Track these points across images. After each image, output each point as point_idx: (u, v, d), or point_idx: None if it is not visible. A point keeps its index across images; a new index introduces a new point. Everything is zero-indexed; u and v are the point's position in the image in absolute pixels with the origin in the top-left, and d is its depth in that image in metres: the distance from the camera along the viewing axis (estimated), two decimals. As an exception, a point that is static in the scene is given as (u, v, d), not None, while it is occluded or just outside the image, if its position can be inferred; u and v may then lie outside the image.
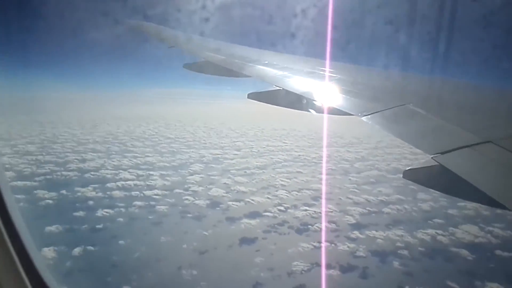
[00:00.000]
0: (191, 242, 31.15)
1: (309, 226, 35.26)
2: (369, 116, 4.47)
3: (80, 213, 36.17)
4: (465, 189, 3.07)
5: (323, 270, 28.09)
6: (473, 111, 4.47)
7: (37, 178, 45.87)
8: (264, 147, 73.23)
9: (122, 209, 37.71)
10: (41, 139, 72.50)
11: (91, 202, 39.17)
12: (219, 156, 64.05)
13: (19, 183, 42.82)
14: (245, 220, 36.07)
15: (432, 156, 3.38)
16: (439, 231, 34.49)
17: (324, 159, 65.77)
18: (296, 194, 44.07)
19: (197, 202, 40.61)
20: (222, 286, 25.86)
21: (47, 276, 3.15)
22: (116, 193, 42.20)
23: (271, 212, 38.31)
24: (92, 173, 49.54)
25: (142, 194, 42.38)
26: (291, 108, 5.97)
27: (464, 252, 31.13)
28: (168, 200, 40.92)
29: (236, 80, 7.37)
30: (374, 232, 34.30)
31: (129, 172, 50.61)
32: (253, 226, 35.08)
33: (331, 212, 38.80)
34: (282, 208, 39.53)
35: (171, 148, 69.13)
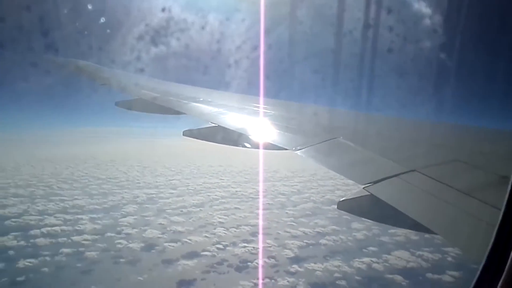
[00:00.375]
0: (125, 289, 29.42)
1: (249, 263, 34.87)
2: (302, 150, 4.61)
3: (-1, 265, 32.87)
4: (395, 216, 3.23)
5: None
6: (398, 143, 4.79)
7: None
8: (201, 185, 72.25)
9: (47, 257, 34.79)
10: (-47, 185, 65.72)
11: (11, 252, 35.76)
12: (153, 195, 62.01)
13: None
14: (183, 261, 34.85)
15: (364, 186, 3.54)
16: (374, 259, 35.74)
17: (261, 194, 66.24)
18: (235, 231, 43.63)
19: (130, 245, 38.63)
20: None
21: None
22: (41, 241, 38.96)
23: (209, 251, 37.45)
24: (13, 220, 45.46)
25: (70, 240, 39.52)
26: (227, 144, 6.00)
27: (398, 277, 32.42)
28: (99, 245, 38.51)
29: (171, 118, 7.30)
30: (312, 264, 34.69)
31: (55, 217, 47.17)
32: (191, 267, 33.97)
33: (270, 247, 38.78)
34: (220, 246, 38.84)
35: (102, 189, 65.78)
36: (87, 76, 9.79)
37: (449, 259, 35.17)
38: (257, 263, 34.80)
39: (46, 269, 32.63)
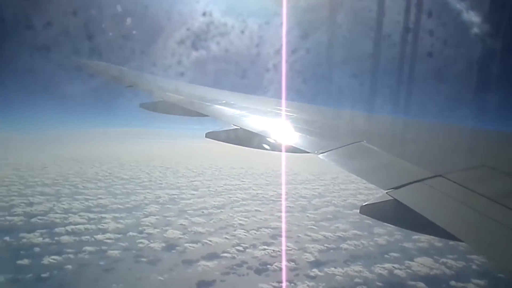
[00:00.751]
0: (146, 288, 29.79)
1: (268, 266, 34.81)
2: (324, 153, 4.59)
3: (25, 261, 33.76)
4: (419, 222, 3.18)
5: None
6: (423, 147, 4.71)
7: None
8: (222, 186, 72.66)
9: (71, 255, 35.59)
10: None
11: (37, 249, 36.73)
12: (175, 196, 62.70)
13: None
14: (203, 262, 35.07)
15: (387, 191, 3.49)
16: (396, 265, 35.13)
17: (282, 196, 66.10)
18: (255, 233, 43.65)
19: (152, 245, 39.13)
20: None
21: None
22: (65, 238, 39.92)
23: (229, 253, 37.57)
24: (39, 217, 46.74)
25: (93, 239, 40.35)
26: (249, 146, 6.02)
27: (421, 285, 31.77)
28: (121, 244, 39.17)
29: (194, 120, 7.38)
30: (333, 269, 34.36)
31: (79, 215, 48.25)
32: (211, 268, 34.14)
33: (290, 250, 38.62)
34: (240, 248, 38.92)
35: (125, 189, 66.96)
36: (114, 78, 10.00)
37: (474, 267, 34.30)
38: (277, 266, 34.70)
39: (69, 266, 33.38)
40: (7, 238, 38.81)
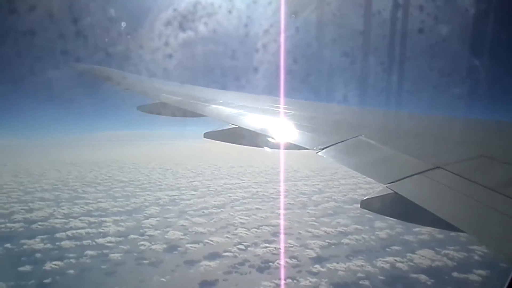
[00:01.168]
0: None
1: (270, 264, 34.85)
2: (323, 149, 4.59)
3: (27, 268, 33.71)
4: (419, 214, 3.19)
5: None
6: (421, 139, 4.72)
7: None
8: (222, 186, 72.63)
9: (72, 260, 35.55)
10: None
11: (38, 255, 36.69)
12: (175, 197, 62.66)
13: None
14: (205, 262, 35.08)
15: (387, 185, 3.50)
16: (398, 258, 35.22)
17: (282, 194, 66.12)
18: (256, 231, 43.67)
19: (153, 247, 39.13)
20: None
21: None
22: (66, 243, 39.86)
23: (231, 252, 37.59)
24: (39, 223, 46.66)
25: (94, 243, 40.30)
26: (247, 145, 6.02)
27: (423, 277, 31.85)
28: (122, 247, 39.14)
29: (191, 120, 7.37)
30: (335, 264, 34.42)
31: (80, 220, 48.17)
32: (213, 268, 34.16)
33: (292, 247, 38.66)
34: (242, 247, 38.94)
35: (125, 192, 66.87)
36: (110, 81, 9.97)
37: (476, 257, 34.41)
38: (279, 264, 34.74)
39: (71, 271, 33.35)
40: (8, 245, 38.73)
